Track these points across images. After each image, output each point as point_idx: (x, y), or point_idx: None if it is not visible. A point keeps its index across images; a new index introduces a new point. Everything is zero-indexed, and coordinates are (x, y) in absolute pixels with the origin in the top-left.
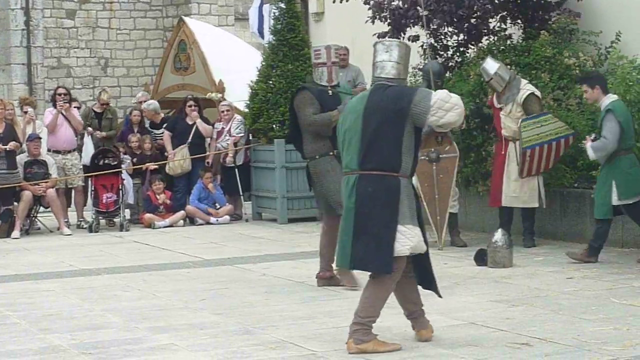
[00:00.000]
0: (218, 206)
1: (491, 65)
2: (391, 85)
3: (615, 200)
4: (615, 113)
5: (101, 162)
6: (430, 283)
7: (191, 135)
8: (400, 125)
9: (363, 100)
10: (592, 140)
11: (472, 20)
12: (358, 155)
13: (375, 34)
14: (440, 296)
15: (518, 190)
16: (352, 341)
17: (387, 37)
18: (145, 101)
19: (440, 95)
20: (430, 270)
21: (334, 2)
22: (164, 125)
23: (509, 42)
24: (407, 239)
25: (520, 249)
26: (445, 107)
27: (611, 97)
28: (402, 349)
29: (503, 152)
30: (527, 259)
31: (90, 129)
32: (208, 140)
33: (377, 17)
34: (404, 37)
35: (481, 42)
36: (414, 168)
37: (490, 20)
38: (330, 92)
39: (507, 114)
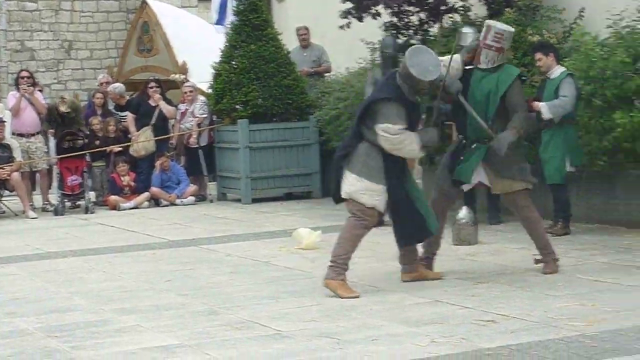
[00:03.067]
0: (182, 181)
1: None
2: None
3: (568, 167)
4: (574, 78)
5: (66, 145)
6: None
7: (155, 117)
8: None
9: None
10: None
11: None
12: None
13: (338, 11)
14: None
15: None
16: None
17: (349, 16)
18: (106, 83)
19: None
20: None
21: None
22: (127, 108)
23: (472, 19)
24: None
25: (486, 226)
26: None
27: (562, 68)
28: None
29: None
30: (493, 236)
31: (52, 130)
32: (172, 121)
33: None
34: (367, 15)
35: (443, 20)
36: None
37: None
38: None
39: None
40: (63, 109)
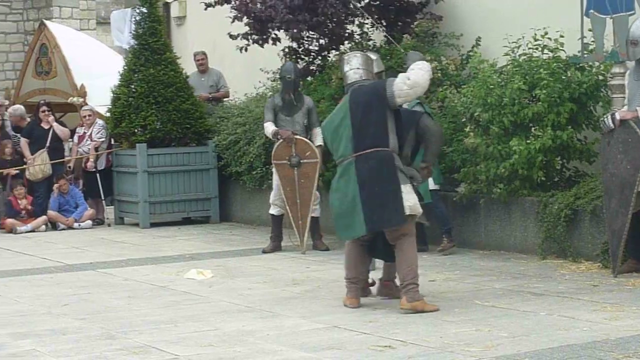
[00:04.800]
0: (79, 205)
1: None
2: (362, 84)
3: (432, 186)
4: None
5: None
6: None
7: (49, 139)
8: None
9: (345, 102)
10: None
11: (330, 26)
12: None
13: (237, 35)
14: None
15: None
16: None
17: (249, 38)
18: (2, 105)
19: (396, 85)
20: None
21: (206, 9)
22: (20, 132)
23: (371, 46)
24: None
25: None
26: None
27: None
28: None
29: None
30: None
31: None
32: (69, 144)
33: (239, 18)
34: (267, 41)
35: (343, 46)
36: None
37: (348, 25)
38: None
39: None
40: None
